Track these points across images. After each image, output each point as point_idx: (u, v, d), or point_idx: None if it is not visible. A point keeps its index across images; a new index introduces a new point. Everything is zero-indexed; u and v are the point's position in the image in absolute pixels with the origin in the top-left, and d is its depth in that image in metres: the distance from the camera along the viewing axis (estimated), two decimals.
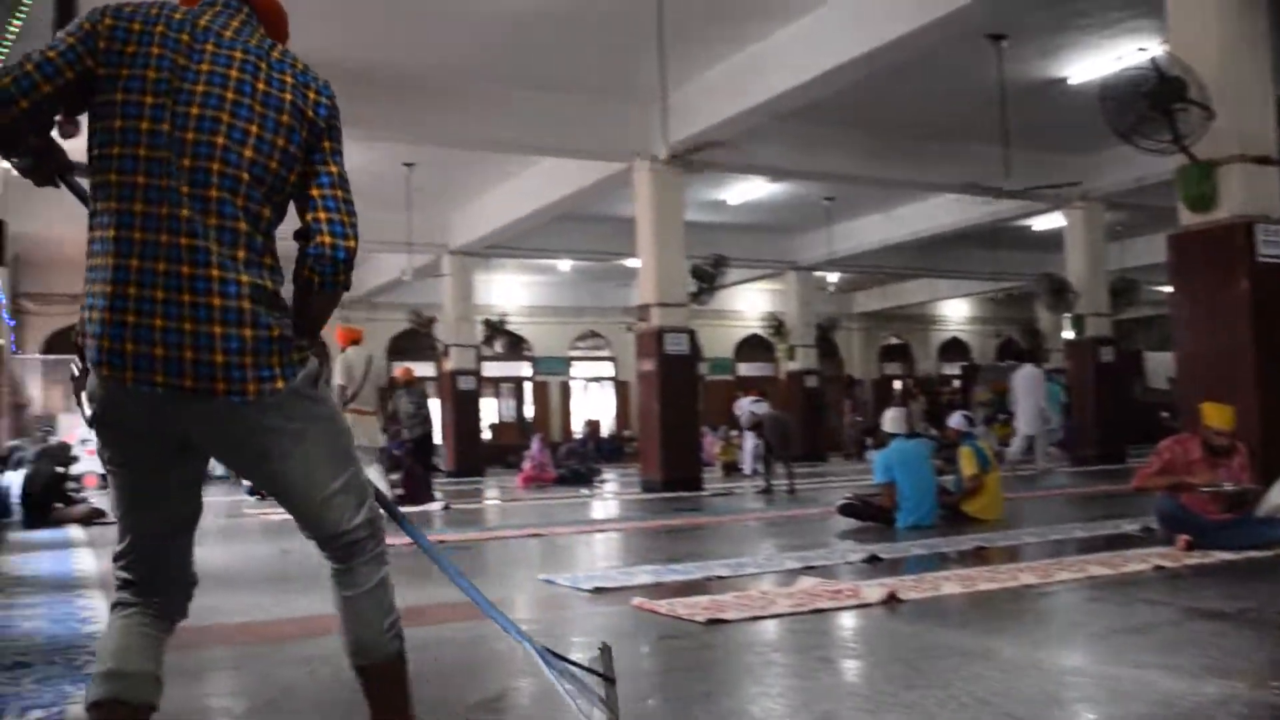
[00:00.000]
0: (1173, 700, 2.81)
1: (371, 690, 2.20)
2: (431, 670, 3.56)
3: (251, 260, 1.96)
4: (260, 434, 2.01)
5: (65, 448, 11.07)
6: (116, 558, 2.12)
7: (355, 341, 10.03)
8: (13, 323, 17.97)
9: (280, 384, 1.98)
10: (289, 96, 2.02)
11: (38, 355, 19.45)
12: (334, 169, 2.10)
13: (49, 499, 9.91)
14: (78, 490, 11.24)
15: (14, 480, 9.98)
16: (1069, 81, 12.42)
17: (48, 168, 2.10)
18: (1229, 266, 7.74)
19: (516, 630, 2.63)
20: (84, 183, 2.10)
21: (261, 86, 2.00)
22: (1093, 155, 14.91)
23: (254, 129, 1.97)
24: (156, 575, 2.11)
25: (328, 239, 2.06)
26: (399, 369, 13.46)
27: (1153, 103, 7.56)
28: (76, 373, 2.03)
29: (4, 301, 14.95)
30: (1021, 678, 3.14)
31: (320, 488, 2.09)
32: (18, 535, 8.92)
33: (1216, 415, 5.97)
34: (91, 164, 1.96)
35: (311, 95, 2.06)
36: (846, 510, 8.06)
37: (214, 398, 1.93)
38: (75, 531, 9.12)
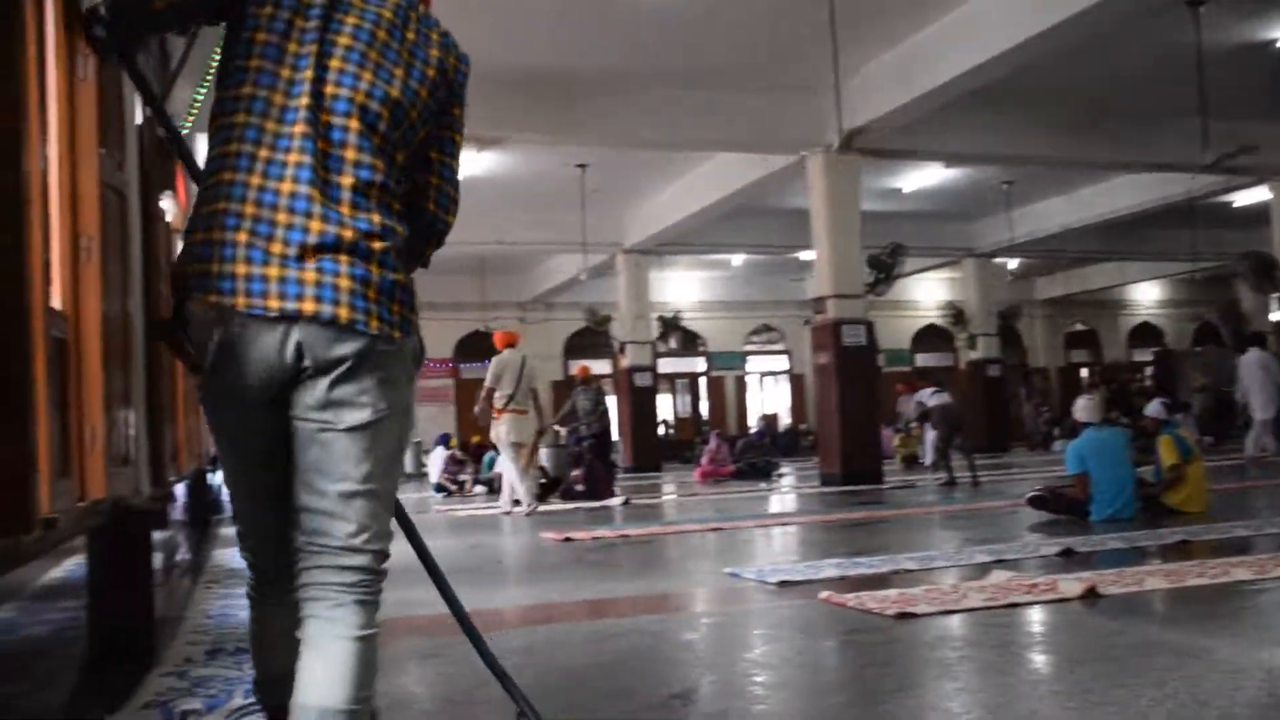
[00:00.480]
0: None
1: None
2: (619, 661, 3.63)
3: (384, 202, 1.83)
4: (354, 381, 1.76)
5: None
6: (241, 541, 2.00)
7: (511, 344, 10.31)
8: None
9: (398, 335, 1.80)
10: (435, 53, 1.97)
11: None
12: (458, 138, 2.04)
13: None
14: None
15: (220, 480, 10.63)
16: (1277, 44, 11.67)
17: (127, 35, 1.98)
18: None
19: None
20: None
21: (410, 35, 1.94)
22: None
23: (399, 73, 1.89)
24: (281, 558, 1.88)
25: (432, 207, 2.02)
26: (577, 368, 13.74)
27: None
28: (167, 329, 1.84)
29: None
30: (1243, 679, 2.96)
31: (361, 479, 1.77)
32: (227, 530, 9.46)
33: None
34: (222, 103, 1.84)
35: (452, 60, 2.01)
36: (1036, 502, 7.78)
37: (333, 324, 1.73)
38: None
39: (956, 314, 22.81)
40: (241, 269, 1.72)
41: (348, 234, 1.75)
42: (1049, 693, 2.97)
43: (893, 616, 4.03)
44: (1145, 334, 28.87)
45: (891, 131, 12.31)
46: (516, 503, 10.30)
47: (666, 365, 23.83)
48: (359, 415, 1.75)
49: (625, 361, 19.02)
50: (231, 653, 3.77)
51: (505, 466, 10.52)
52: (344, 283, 1.73)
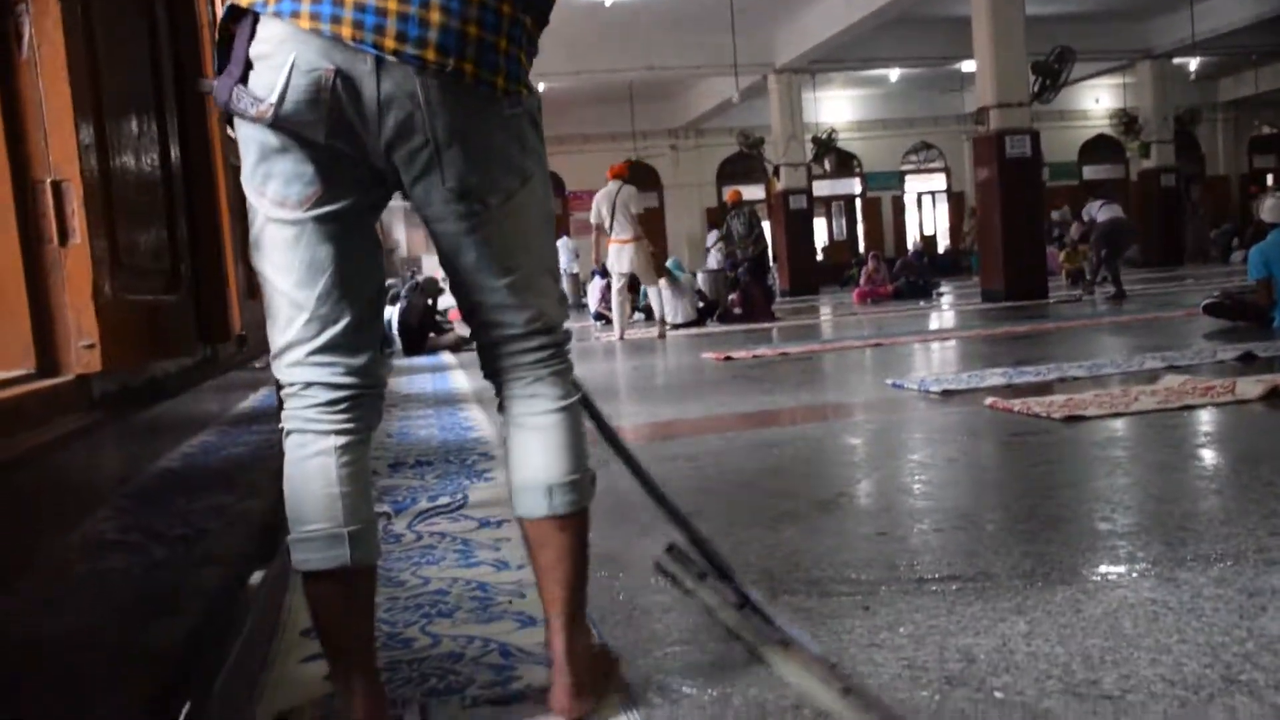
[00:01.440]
0: None
1: (543, 555, 1.63)
2: (783, 466, 3.72)
3: None
4: (491, 151, 1.51)
5: (433, 282, 12.07)
6: (294, 352, 1.54)
7: (619, 176, 10.22)
8: None
9: (525, 92, 1.52)
10: None
11: (400, 201, 21.08)
12: None
13: (423, 329, 10.97)
14: (445, 322, 12.30)
15: (392, 314, 11.06)
16: None
17: None
18: None
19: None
20: None
21: None
22: None
23: None
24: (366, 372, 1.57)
25: None
26: (729, 192, 13.63)
27: None
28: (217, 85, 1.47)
29: None
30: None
31: (524, 264, 1.60)
32: (400, 361, 9.92)
33: None
34: None
35: None
36: (1213, 310, 7.46)
37: (460, 80, 1.44)
38: (447, 356, 10.05)
39: (1129, 122, 21.50)
40: None
41: None
42: (1227, 486, 2.92)
43: (1060, 419, 3.98)
44: None
45: None
46: (666, 323, 10.56)
47: (822, 188, 23.36)
48: (502, 197, 1.53)
49: (779, 185, 18.73)
50: (412, 465, 4.01)
51: (650, 294, 10.74)
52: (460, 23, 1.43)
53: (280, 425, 1.54)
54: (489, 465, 3.86)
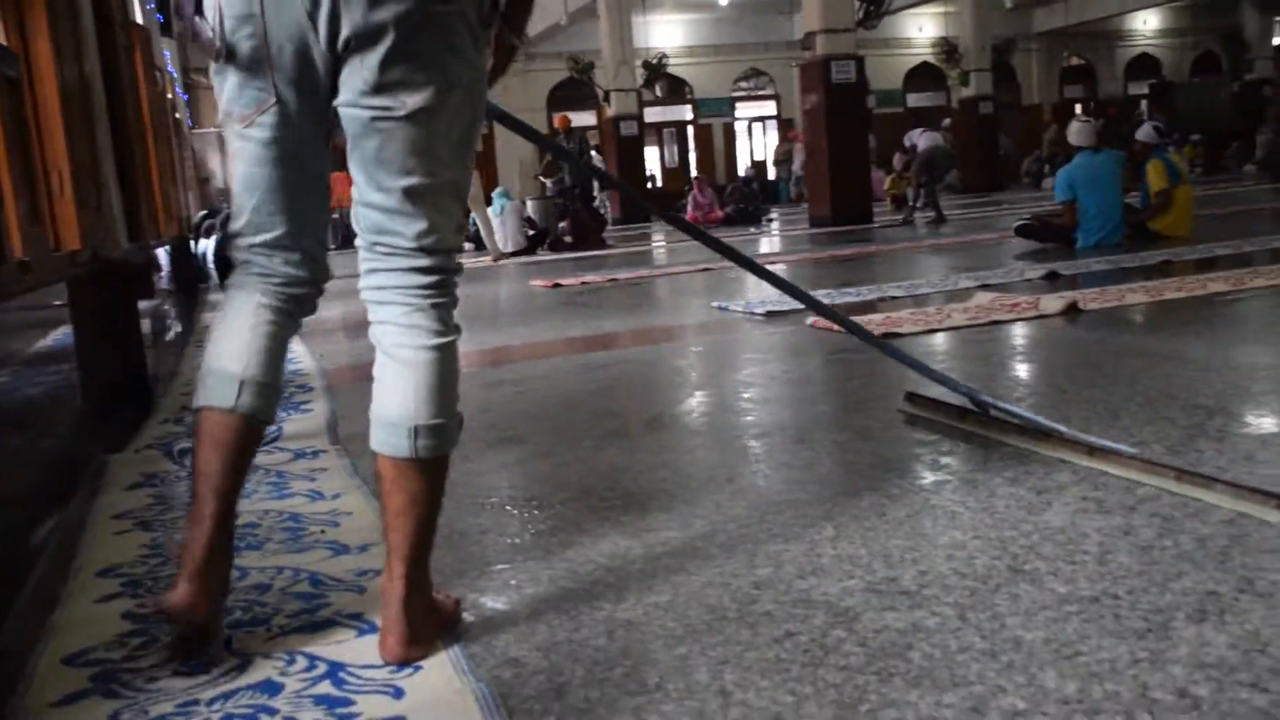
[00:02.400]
0: None
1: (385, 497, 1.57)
2: (609, 387, 3.74)
3: None
4: (409, 55, 1.48)
5: None
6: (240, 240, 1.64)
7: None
8: (186, 97, 18.57)
9: None
10: None
11: (215, 130, 20.06)
12: None
13: None
14: None
15: (208, 247, 10.57)
16: None
17: None
18: None
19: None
20: None
21: None
22: None
23: None
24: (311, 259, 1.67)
25: None
26: (557, 118, 13.51)
27: None
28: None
29: (176, 76, 15.38)
30: (1210, 375, 3.06)
31: (429, 171, 1.54)
32: (217, 296, 9.51)
33: None
34: None
35: None
36: (1024, 231, 7.82)
37: None
38: None
39: (949, 50, 22.16)
40: None
41: None
42: (1028, 393, 3.07)
43: (878, 337, 4.10)
44: (1143, 66, 28.17)
45: None
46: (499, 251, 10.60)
47: (653, 115, 23.35)
48: (419, 97, 1.49)
49: (610, 111, 18.62)
50: None
51: (479, 222, 10.71)
52: None
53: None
54: (307, 397, 3.75)
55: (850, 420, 2.90)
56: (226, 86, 1.55)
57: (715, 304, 5.61)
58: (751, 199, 16.53)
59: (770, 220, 15.63)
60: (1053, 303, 4.44)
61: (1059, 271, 5.75)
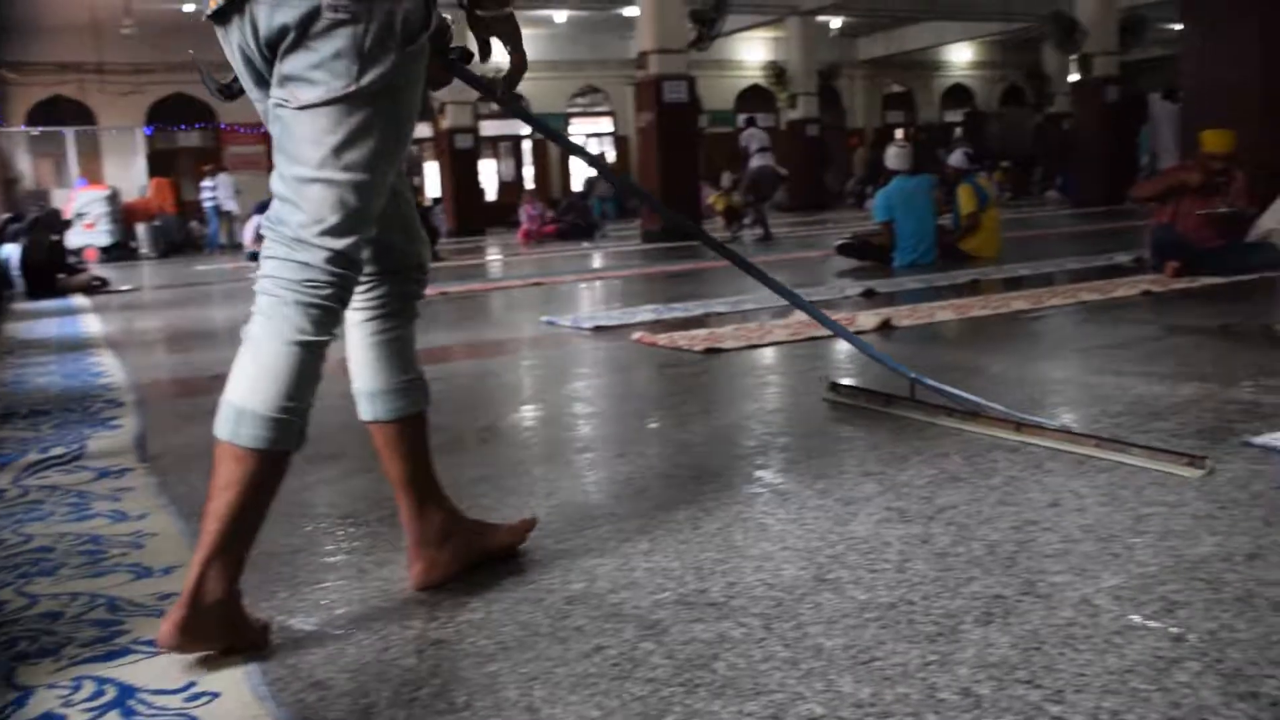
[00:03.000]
0: (1149, 401, 2.92)
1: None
2: (434, 402, 3.70)
3: None
4: (303, 53, 1.57)
5: (56, 214, 11.00)
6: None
7: None
8: None
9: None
10: None
11: (24, 128, 18.95)
12: None
13: (51, 269, 9.93)
14: (79, 261, 11.27)
15: (12, 253, 9.96)
16: None
17: None
18: None
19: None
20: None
21: None
22: None
23: None
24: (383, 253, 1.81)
25: None
26: None
27: None
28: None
29: None
30: (1010, 386, 3.24)
31: (318, 163, 1.58)
32: (23, 305, 9.00)
33: (1215, 140, 5.92)
34: None
35: None
36: (845, 250, 8.09)
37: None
38: (79, 299, 9.21)
39: (778, 73, 22.80)
40: None
41: None
42: (840, 408, 3.17)
43: (701, 352, 4.19)
44: (958, 96, 29.58)
45: None
46: None
47: (490, 128, 23.23)
48: (312, 93, 1.55)
49: (445, 123, 18.43)
50: (25, 415, 3.67)
51: None
52: None
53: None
54: (116, 413, 3.59)
55: (673, 434, 2.95)
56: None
57: (544, 319, 5.61)
58: (586, 214, 16.61)
59: (604, 235, 15.74)
60: (868, 319, 4.62)
61: (876, 289, 5.98)
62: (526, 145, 25.46)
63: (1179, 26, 8.60)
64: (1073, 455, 2.39)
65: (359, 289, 1.76)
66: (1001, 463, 2.39)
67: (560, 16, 21.84)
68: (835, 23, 23.94)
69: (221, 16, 1.62)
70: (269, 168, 1.60)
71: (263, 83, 1.65)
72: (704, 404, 3.36)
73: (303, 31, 1.54)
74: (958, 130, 25.93)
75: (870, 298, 5.80)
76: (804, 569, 1.82)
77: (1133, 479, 2.20)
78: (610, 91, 25.41)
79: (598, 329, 5.09)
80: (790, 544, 1.95)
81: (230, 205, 17.96)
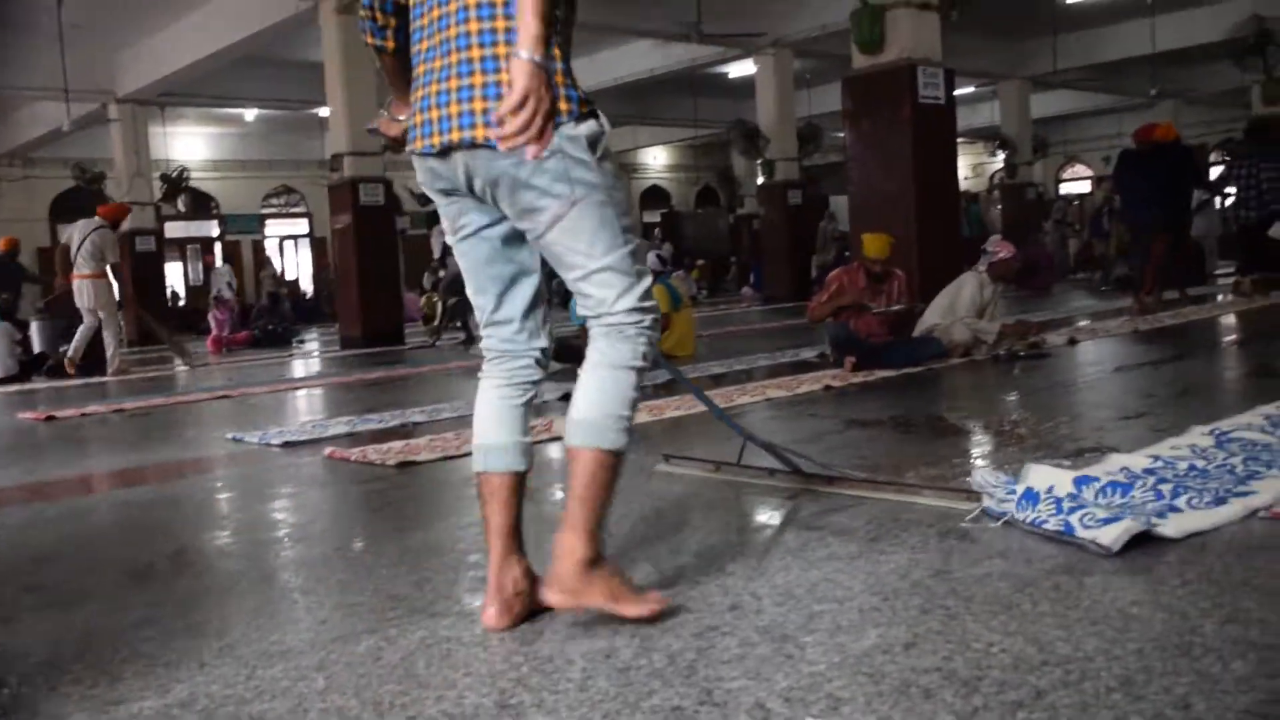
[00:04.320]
0: (825, 495, 3.08)
1: (572, 478, 2.12)
2: (97, 535, 3.40)
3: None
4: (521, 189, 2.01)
5: None
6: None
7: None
8: None
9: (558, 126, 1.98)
10: None
11: None
12: None
13: None
14: None
15: None
16: None
17: None
18: (895, 107, 8.26)
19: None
20: None
21: None
22: (781, 2, 15.30)
23: None
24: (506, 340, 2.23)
25: None
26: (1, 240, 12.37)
27: None
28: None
29: None
30: (685, 483, 3.33)
31: (581, 264, 2.04)
32: None
33: (873, 245, 6.45)
34: None
35: None
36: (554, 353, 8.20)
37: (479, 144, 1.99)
38: None
39: None
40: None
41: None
42: (542, 521, 3.15)
43: (394, 466, 4.08)
44: (656, 196, 30.96)
45: None
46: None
47: (175, 230, 22.16)
48: (547, 215, 2.00)
49: (124, 225, 17.35)
50: None
51: None
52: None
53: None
54: None
55: (359, 556, 2.83)
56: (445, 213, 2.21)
57: (230, 435, 5.31)
58: (282, 318, 16.04)
59: (302, 341, 15.23)
60: (563, 424, 4.64)
61: (572, 392, 6.05)
62: (217, 248, 24.38)
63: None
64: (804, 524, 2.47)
65: (505, 362, 2.25)
66: (644, 565, 2.44)
67: (250, 115, 21.24)
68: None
69: (443, 154, 2.06)
70: None
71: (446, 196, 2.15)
72: (395, 522, 3.25)
73: (519, 177, 1.98)
74: (656, 230, 27.10)
75: (568, 402, 5.85)
76: (486, 695, 1.77)
77: (805, 575, 2.30)
78: (306, 192, 24.87)
79: (287, 445, 4.87)
80: (474, 669, 1.89)
81: None
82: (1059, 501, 2.58)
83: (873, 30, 8.17)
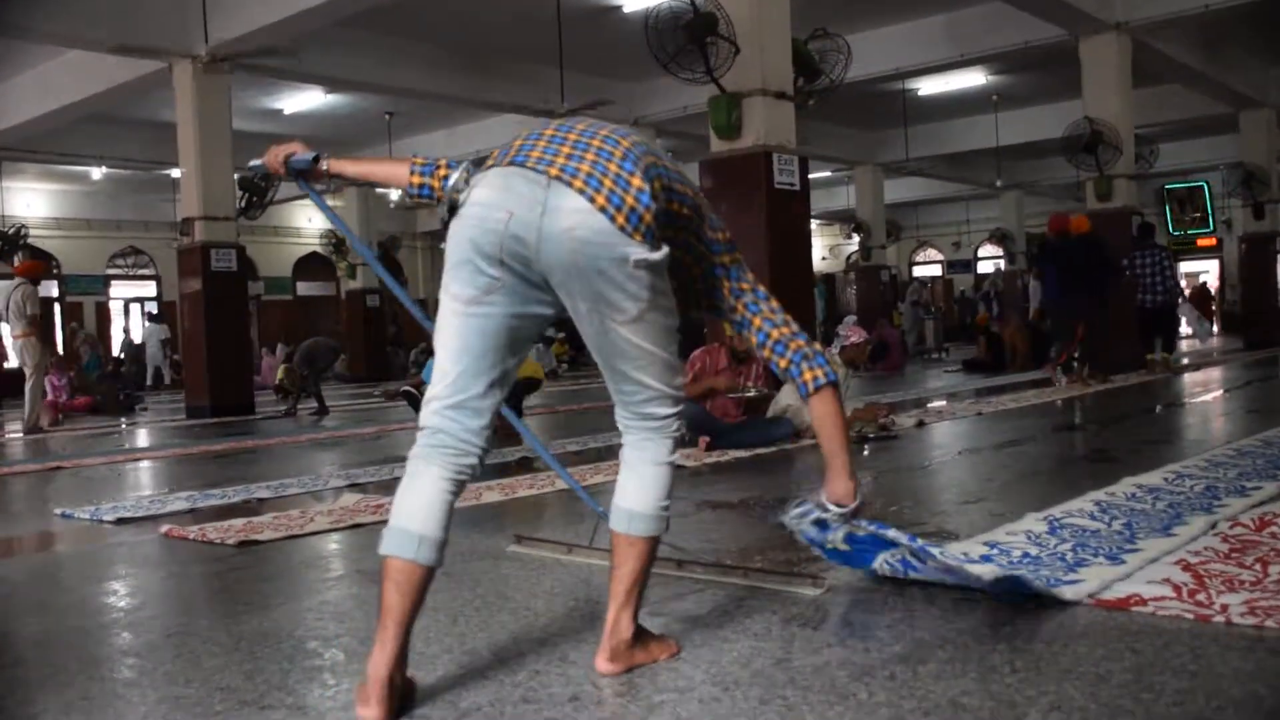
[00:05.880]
0: (671, 580, 3.08)
1: (617, 560, 2.29)
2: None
3: None
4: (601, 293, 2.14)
5: None
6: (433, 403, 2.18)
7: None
8: None
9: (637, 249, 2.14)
10: None
11: None
12: None
13: None
14: None
15: None
16: (622, 10, 12.93)
17: None
18: (750, 192, 8.47)
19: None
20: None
21: None
22: (644, 83, 15.67)
23: None
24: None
25: None
26: None
27: (689, 35, 8.07)
28: None
29: None
30: (545, 570, 3.30)
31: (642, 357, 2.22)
32: None
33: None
34: None
35: None
36: (407, 397, 8.23)
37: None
38: None
39: (338, 243, 22.77)
40: None
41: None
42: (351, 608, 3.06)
43: (234, 545, 3.94)
44: None
45: (266, 50, 11.88)
46: None
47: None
48: (627, 314, 2.16)
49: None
50: None
51: None
52: None
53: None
54: None
55: (190, 644, 2.70)
56: (459, 274, 2.19)
57: (59, 511, 5.05)
58: (125, 384, 15.41)
59: (145, 409, 14.64)
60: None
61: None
62: (57, 308, 23.33)
63: None
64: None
65: (450, 455, 2.16)
66: (532, 658, 2.41)
67: (97, 174, 20.54)
68: (394, 194, 24.41)
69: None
70: None
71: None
72: (230, 606, 3.13)
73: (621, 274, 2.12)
74: None
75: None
76: None
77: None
78: (155, 254, 24.09)
79: (121, 521, 4.65)
80: None
81: None
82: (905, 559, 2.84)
83: (730, 117, 8.39)
